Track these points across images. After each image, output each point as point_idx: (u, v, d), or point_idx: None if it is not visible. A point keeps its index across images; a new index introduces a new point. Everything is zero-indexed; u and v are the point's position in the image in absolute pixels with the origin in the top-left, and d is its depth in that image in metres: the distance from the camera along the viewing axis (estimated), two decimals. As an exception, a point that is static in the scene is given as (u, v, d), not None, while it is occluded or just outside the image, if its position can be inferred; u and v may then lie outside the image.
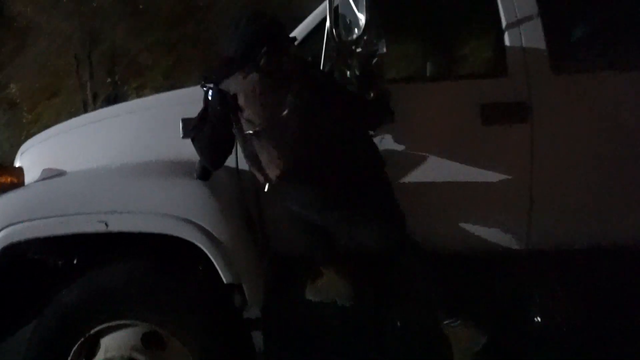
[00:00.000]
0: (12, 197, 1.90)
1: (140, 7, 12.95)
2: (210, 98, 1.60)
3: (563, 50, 1.92)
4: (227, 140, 1.68)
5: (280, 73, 1.55)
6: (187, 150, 1.95)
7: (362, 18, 1.45)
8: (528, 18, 1.92)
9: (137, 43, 13.62)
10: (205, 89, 1.63)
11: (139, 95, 14.45)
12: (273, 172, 1.53)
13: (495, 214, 1.94)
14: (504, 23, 1.94)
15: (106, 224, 1.70)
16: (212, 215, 1.70)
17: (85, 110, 13.48)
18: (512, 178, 1.90)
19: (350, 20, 1.53)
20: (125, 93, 14.61)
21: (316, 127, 1.55)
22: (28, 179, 2.12)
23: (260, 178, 1.61)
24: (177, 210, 1.70)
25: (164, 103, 2.07)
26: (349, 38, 1.51)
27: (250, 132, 1.52)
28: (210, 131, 1.62)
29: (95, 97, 13.46)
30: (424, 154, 1.92)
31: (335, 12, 1.54)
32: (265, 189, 1.62)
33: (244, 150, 1.64)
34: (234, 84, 1.56)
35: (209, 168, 1.72)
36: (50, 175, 2.07)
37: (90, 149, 2.08)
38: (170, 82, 15.05)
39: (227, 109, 1.56)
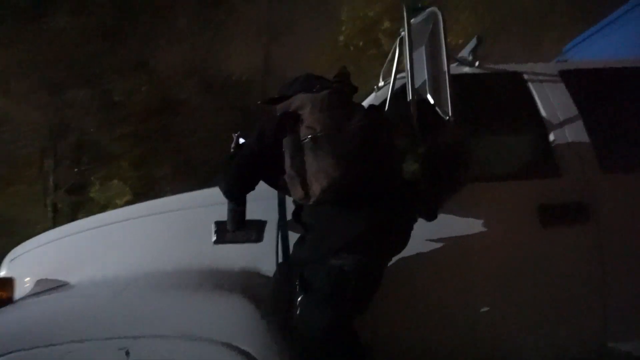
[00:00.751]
0: (1, 319, 1.56)
1: (115, 100, 13.06)
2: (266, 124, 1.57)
3: (610, 149, 1.90)
4: (259, 169, 1.58)
5: (348, 97, 1.59)
6: (221, 258, 1.72)
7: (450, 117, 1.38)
8: (570, 119, 1.92)
9: (109, 134, 13.55)
10: (236, 134, 1.70)
11: (103, 185, 14.09)
12: (319, 184, 1.40)
13: (568, 318, 1.76)
14: (547, 124, 1.93)
15: (127, 353, 1.39)
16: (260, 338, 1.43)
17: (45, 200, 12.89)
18: (583, 280, 1.76)
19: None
20: (90, 182, 14.22)
21: (372, 152, 1.46)
22: (19, 292, 1.78)
23: (300, 193, 1.44)
24: (218, 334, 1.41)
25: (191, 204, 1.85)
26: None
27: (309, 136, 1.42)
28: (248, 152, 1.55)
29: (56, 186, 13.01)
30: (484, 258, 1.77)
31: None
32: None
33: (292, 162, 1.46)
34: (300, 99, 1.52)
35: (232, 190, 1.58)
36: (48, 287, 1.74)
37: (100, 257, 1.79)
38: (140, 173, 14.83)
39: (278, 133, 1.50)
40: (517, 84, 2.01)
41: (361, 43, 10.09)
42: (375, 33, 10.47)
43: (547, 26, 10.15)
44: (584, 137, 1.90)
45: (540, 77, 2.04)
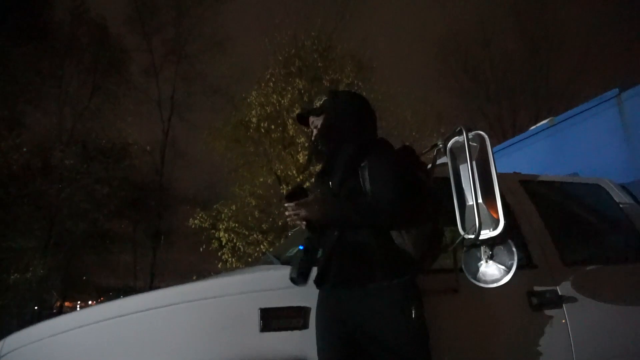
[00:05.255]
0: None
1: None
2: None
3: (566, 245, 2.38)
4: None
5: None
6: (268, 347, 1.70)
7: (501, 223, 1.64)
8: (532, 220, 2.38)
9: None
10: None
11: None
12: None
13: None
14: (518, 219, 2.35)
15: None
16: None
17: None
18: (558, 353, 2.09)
19: (480, 222, 1.69)
20: None
21: None
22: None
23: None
24: None
25: (228, 291, 1.78)
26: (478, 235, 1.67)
27: None
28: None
29: None
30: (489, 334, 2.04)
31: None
32: None
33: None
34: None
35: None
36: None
37: (124, 351, 1.61)
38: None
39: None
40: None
41: (272, 126, 10.61)
42: (282, 118, 11.15)
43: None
44: (546, 234, 2.36)
45: (505, 184, 2.50)
